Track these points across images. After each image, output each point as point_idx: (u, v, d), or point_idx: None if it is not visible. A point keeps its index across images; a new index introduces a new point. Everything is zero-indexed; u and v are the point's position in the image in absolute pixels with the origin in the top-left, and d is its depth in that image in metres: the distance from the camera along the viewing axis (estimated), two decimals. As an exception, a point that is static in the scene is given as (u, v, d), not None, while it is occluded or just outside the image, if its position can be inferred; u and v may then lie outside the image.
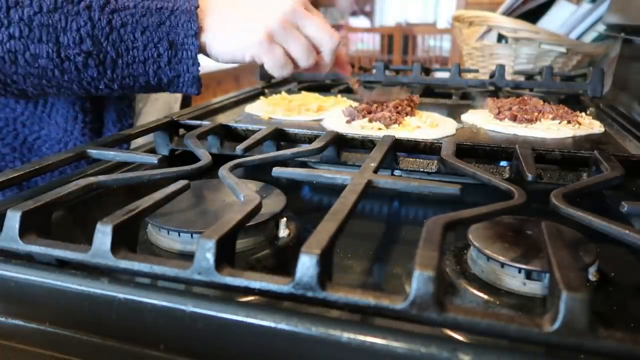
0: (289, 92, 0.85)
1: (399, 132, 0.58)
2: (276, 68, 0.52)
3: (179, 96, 0.87)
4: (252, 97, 0.82)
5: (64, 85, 0.47)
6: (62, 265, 0.30)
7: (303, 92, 0.83)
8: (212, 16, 0.50)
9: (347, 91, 0.93)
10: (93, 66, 0.45)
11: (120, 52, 0.46)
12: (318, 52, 0.54)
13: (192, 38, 0.47)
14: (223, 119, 0.69)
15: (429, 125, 0.62)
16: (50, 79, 0.46)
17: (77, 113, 0.66)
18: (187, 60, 0.48)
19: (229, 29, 0.50)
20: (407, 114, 0.64)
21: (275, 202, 0.39)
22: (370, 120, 0.61)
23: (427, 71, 1.03)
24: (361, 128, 0.60)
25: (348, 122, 0.63)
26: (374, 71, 1.01)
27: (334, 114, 0.68)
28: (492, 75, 0.96)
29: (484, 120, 0.67)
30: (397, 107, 0.64)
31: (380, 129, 0.60)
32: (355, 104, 0.77)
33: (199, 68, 0.49)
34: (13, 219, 0.30)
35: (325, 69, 0.57)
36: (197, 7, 0.47)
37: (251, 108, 0.73)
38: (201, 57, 0.52)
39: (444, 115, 0.70)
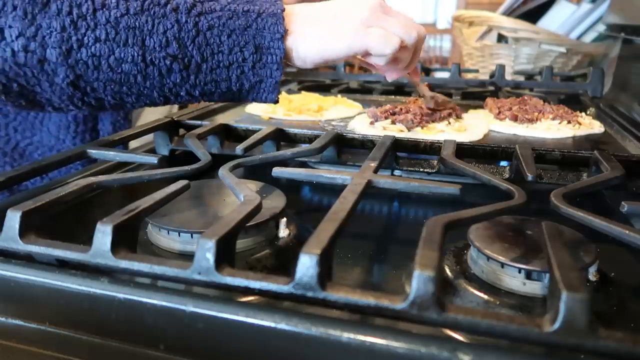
0: (289, 92, 0.85)
1: (419, 135, 0.58)
2: (382, 44, 0.47)
3: None
4: (252, 97, 0.82)
5: (144, 93, 0.45)
6: (62, 265, 0.30)
7: (303, 92, 0.83)
8: (298, 19, 0.48)
9: (347, 91, 0.93)
10: (177, 71, 0.44)
11: (206, 56, 0.44)
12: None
13: (278, 42, 0.45)
14: (223, 119, 0.69)
15: (455, 130, 0.61)
16: (132, 85, 0.44)
17: (69, 122, 0.66)
18: (272, 64, 0.46)
19: (318, 29, 0.47)
20: (434, 120, 0.63)
21: (275, 202, 0.39)
22: (393, 122, 0.61)
23: (427, 71, 1.03)
24: (383, 129, 0.60)
25: (371, 123, 0.63)
26: (374, 71, 1.00)
27: (359, 116, 0.69)
28: (492, 75, 0.96)
29: (484, 120, 0.67)
30: (421, 110, 0.64)
31: (401, 130, 0.60)
32: (355, 104, 0.77)
33: (282, 73, 0.47)
34: (13, 219, 0.30)
35: (413, 64, 0.54)
36: (283, 10, 0.46)
37: (251, 108, 0.73)
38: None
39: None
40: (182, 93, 0.46)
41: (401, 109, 0.64)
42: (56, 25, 0.40)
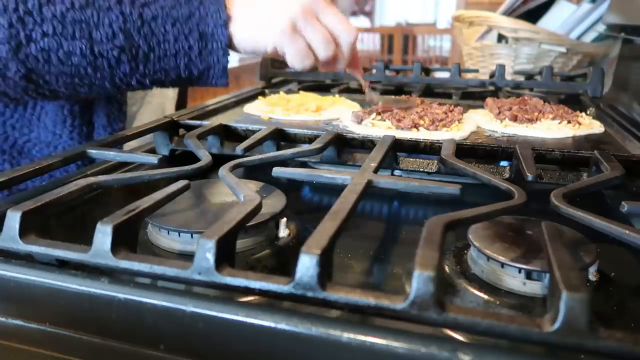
0: (289, 92, 0.85)
1: (410, 134, 0.58)
2: (298, 59, 0.51)
3: (173, 97, 0.87)
4: (252, 97, 0.82)
5: (96, 84, 0.47)
6: (62, 265, 0.30)
7: (301, 92, 0.83)
8: (238, 5, 0.50)
9: (346, 91, 0.92)
10: (126, 62, 0.46)
11: (152, 45, 0.46)
12: (336, 44, 0.54)
13: (221, 28, 0.47)
14: (223, 119, 0.69)
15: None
16: (83, 77, 0.46)
17: (65, 117, 0.65)
18: (217, 51, 0.48)
19: (253, 18, 0.50)
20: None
21: (275, 202, 0.39)
22: (383, 119, 0.61)
23: (427, 71, 1.03)
24: (372, 126, 0.60)
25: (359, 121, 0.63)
26: (374, 71, 1.00)
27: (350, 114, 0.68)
28: (492, 75, 0.96)
29: (484, 120, 0.67)
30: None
31: (389, 127, 0.59)
32: (353, 103, 0.77)
33: (229, 58, 0.49)
34: (13, 219, 0.30)
35: (341, 65, 0.56)
36: None
37: (249, 108, 0.73)
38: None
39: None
40: (133, 82, 0.48)
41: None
42: (3, 22, 0.41)
